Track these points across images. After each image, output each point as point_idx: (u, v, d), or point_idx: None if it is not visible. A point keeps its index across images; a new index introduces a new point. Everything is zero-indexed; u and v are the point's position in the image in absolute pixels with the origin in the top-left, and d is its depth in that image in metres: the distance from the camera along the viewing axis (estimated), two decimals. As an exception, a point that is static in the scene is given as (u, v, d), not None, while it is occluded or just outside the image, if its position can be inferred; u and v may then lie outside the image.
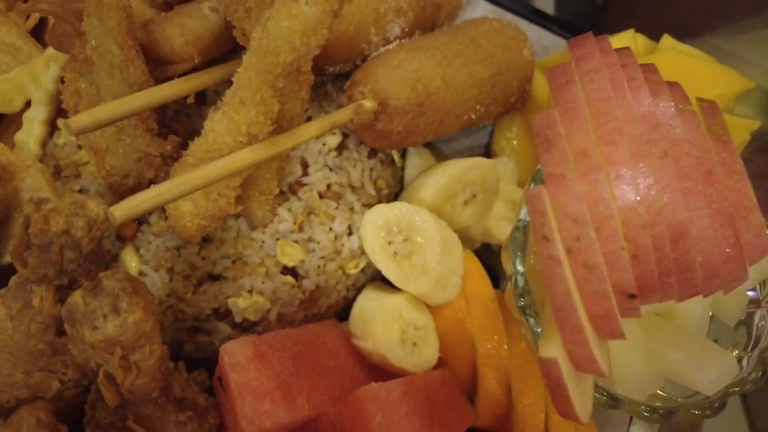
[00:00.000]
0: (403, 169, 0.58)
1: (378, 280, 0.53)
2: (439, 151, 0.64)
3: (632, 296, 0.32)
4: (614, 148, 0.31)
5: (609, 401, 0.41)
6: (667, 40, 0.59)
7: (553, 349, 0.29)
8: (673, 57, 0.56)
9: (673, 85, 0.41)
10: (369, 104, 0.45)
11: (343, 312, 0.52)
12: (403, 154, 0.58)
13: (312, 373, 0.41)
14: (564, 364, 0.29)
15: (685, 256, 0.36)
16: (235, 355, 0.37)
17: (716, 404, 0.41)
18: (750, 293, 0.50)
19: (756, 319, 0.46)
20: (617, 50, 0.39)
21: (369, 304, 0.49)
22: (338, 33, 0.48)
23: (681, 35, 0.66)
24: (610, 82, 0.34)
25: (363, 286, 0.52)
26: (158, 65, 0.43)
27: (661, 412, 0.41)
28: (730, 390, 0.42)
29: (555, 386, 0.29)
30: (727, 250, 0.37)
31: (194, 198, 0.41)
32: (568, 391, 0.29)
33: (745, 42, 0.83)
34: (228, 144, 0.38)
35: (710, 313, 0.48)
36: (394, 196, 0.55)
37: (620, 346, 0.43)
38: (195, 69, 0.43)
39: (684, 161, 0.36)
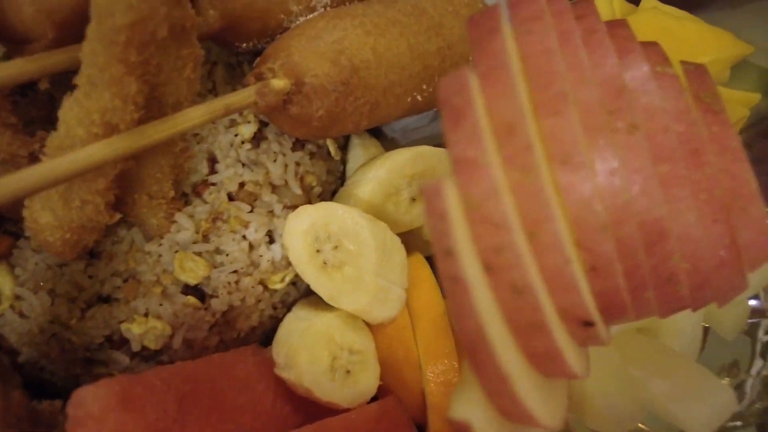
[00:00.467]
0: (344, 163, 0.50)
1: (313, 295, 0.45)
2: (392, 141, 0.56)
3: (589, 324, 0.24)
4: (559, 119, 0.23)
5: None
6: (648, 0, 0.50)
7: (467, 404, 0.21)
8: (655, 18, 0.47)
9: (650, 45, 0.32)
10: (279, 83, 0.37)
11: (272, 333, 0.44)
12: (346, 146, 0.50)
13: (209, 415, 0.33)
14: (489, 427, 0.21)
15: (666, 264, 0.27)
16: (86, 406, 0.29)
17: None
18: (753, 302, 0.41)
19: (760, 332, 0.37)
20: (574, 2, 0.31)
21: (295, 325, 0.41)
22: (247, 2, 0.39)
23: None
24: (558, 34, 0.26)
25: (294, 303, 0.44)
26: (10, 44, 0.35)
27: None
28: (728, 426, 0.33)
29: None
30: (721, 252, 0.29)
31: (54, 208, 0.33)
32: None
33: (744, 15, 0.75)
34: (80, 137, 0.30)
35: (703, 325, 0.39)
36: (332, 195, 0.47)
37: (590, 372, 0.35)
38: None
39: (661, 138, 0.27)
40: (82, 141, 0.30)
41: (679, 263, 0.28)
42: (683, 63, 0.33)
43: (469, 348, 0.20)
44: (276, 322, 0.44)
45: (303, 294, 0.45)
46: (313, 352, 0.39)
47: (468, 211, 0.20)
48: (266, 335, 0.44)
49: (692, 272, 0.28)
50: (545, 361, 0.22)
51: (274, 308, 0.43)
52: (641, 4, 0.51)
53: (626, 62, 0.29)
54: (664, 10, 0.49)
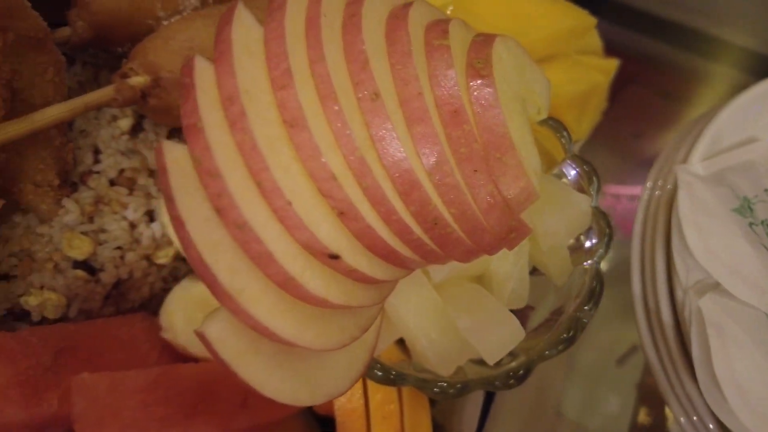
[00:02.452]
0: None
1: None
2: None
3: (333, 257, 0.29)
4: (285, 92, 0.28)
5: (383, 376, 0.37)
6: (499, -20, 0.54)
7: (211, 320, 0.26)
8: (497, -4, 0.51)
9: (439, 22, 0.37)
10: (137, 80, 0.42)
11: (170, 303, 0.49)
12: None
13: (84, 368, 0.39)
14: (232, 337, 0.26)
15: (427, 209, 0.32)
16: (-42, 355, 0.35)
17: (521, 372, 0.37)
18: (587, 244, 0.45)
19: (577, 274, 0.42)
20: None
21: (177, 293, 0.47)
22: (110, 11, 0.45)
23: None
24: (307, 19, 0.31)
25: (185, 276, 0.50)
26: None
27: (458, 386, 0.37)
28: (534, 355, 0.37)
29: (220, 364, 0.26)
30: (488, 197, 0.34)
31: (-59, 196, 0.39)
32: (233, 368, 0.26)
33: None
34: (-49, 135, 0.36)
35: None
36: (218, 178, 0.52)
37: (410, 316, 0.39)
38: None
39: (414, 102, 0.32)
40: (-50, 138, 0.36)
41: (443, 208, 0.32)
42: (477, 35, 0.38)
43: (198, 273, 0.25)
44: (167, 294, 0.50)
45: (195, 268, 0.51)
46: (189, 315, 0.45)
47: (195, 166, 0.26)
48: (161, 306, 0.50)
49: (461, 216, 0.33)
50: (288, 287, 0.27)
51: (165, 281, 0.49)
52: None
53: (392, 39, 0.34)
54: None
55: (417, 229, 0.32)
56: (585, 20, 0.51)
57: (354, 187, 0.29)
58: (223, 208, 0.25)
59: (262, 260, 0.26)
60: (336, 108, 0.29)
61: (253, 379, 0.27)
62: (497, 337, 0.36)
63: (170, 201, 0.24)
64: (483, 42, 0.37)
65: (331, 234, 0.28)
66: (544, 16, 0.50)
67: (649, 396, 0.63)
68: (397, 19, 0.35)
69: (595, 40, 0.57)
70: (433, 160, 0.32)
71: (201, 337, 0.25)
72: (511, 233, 0.35)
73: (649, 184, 0.55)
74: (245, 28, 0.28)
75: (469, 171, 0.33)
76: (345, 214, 0.29)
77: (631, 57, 0.81)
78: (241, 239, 0.26)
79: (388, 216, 0.31)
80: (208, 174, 0.25)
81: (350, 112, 0.29)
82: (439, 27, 0.36)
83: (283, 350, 0.29)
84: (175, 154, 0.25)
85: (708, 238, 0.45)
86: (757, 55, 0.77)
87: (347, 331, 0.32)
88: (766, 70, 0.62)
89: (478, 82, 0.34)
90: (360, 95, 0.30)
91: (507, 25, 0.49)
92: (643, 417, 0.63)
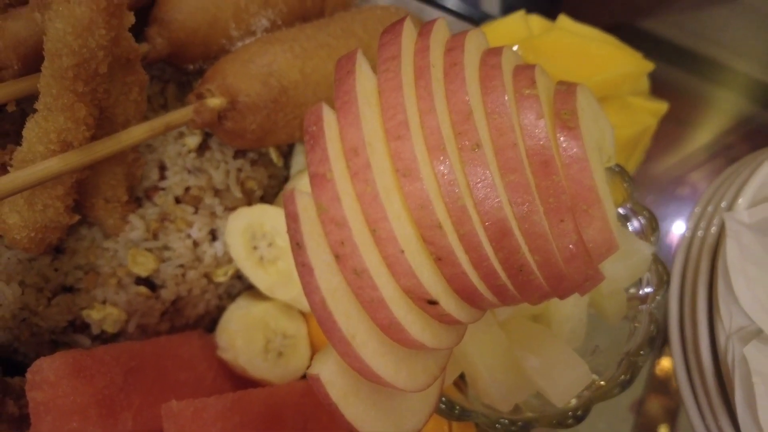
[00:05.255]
0: (289, 169, 0.56)
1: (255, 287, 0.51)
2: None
3: (432, 302, 0.29)
4: (401, 143, 0.28)
5: (447, 411, 0.38)
6: (563, 20, 0.55)
7: (321, 363, 0.27)
8: (562, 37, 0.52)
9: (524, 68, 0.38)
10: (215, 102, 0.43)
11: (221, 320, 0.50)
12: (291, 153, 0.56)
13: (151, 387, 0.39)
14: (339, 380, 0.27)
15: (515, 256, 0.33)
16: (42, 372, 0.35)
17: (579, 412, 0.39)
18: (644, 291, 0.47)
19: (636, 319, 0.43)
20: (454, 36, 0.36)
21: (235, 313, 0.47)
22: (190, 29, 0.45)
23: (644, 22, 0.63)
24: (416, 69, 0.32)
25: (239, 294, 0.50)
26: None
27: (519, 424, 0.39)
28: (595, 397, 0.39)
29: (326, 405, 0.27)
30: (570, 246, 0.35)
31: (20, 210, 0.39)
32: (340, 409, 0.27)
33: (731, 28, 0.79)
34: (41, 152, 0.36)
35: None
36: (275, 198, 0.53)
37: (477, 353, 0.41)
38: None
39: (509, 152, 0.33)
40: (42, 156, 0.36)
41: (529, 256, 0.33)
42: (559, 83, 0.39)
43: (318, 318, 0.26)
44: (222, 311, 0.50)
45: (248, 287, 0.51)
46: (249, 336, 0.45)
47: (319, 214, 0.26)
48: (214, 323, 0.50)
49: (544, 264, 0.34)
50: (391, 331, 0.28)
51: (220, 299, 0.49)
52: (556, 23, 0.57)
53: (487, 88, 0.35)
54: (573, 30, 0.55)
55: (503, 275, 0.33)
56: (643, 66, 0.53)
57: (452, 234, 0.30)
58: (344, 254, 0.26)
59: (373, 305, 0.27)
60: (442, 158, 0.30)
61: (356, 419, 0.28)
62: (566, 380, 0.37)
63: (300, 248, 0.25)
64: (567, 92, 0.38)
65: (430, 280, 0.29)
66: (606, 59, 0.51)
67: (642, 419, 0.65)
68: (491, 67, 0.35)
69: (644, 82, 0.59)
70: (524, 209, 0.33)
71: (315, 379, 0.26)
72: (587, 281, 0.36)
73: (689, 227, 0.57)
74: (365, 79, 0.29)
75: (555, 221, 0.34)
76: (443, 260, 0.30)
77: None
78: (356, 285, 0.27)
79: (480, 262, 0.32)
80: (333, 222, 0.26)
81: (454, 161, 0.30)
82: (526, 75, 0.37)
83: (375, 391, 0.30)
84: (304, 202, 0.26)
85: (755, 287, 0.47)
86: (763, 84, 0.79)
87: (429, 370, 0.33)
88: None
89: (567, 134, 0.35)
90: (461, 145, 0.31)
91: (571, 67, 0.50)
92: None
